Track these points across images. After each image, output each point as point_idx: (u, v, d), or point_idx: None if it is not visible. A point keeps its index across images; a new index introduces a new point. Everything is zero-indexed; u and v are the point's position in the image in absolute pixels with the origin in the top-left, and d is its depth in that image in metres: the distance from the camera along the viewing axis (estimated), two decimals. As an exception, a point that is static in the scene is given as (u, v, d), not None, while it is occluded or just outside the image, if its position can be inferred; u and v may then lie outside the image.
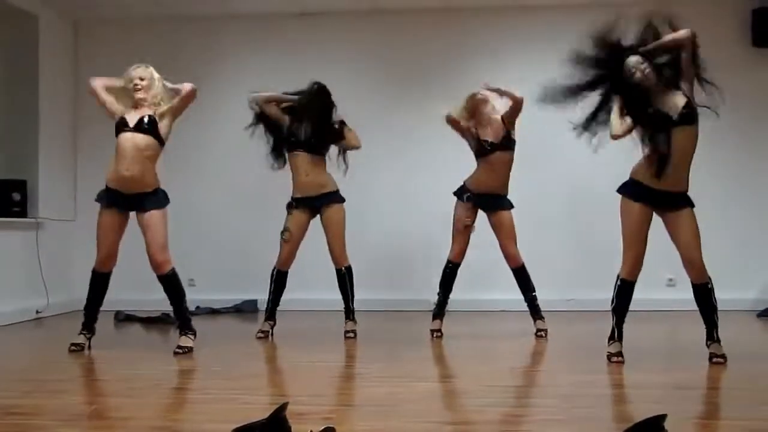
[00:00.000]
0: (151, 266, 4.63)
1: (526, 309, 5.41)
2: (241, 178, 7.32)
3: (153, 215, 4.58)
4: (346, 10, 7.32)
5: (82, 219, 7.22)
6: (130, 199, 4.59)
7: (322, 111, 5.32)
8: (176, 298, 4.69)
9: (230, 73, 7.48)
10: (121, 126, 4.57)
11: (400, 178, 7.28)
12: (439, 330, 5.35)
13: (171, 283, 4.66)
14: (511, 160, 5.32)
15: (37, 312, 6.65)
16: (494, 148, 5.24)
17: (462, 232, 5.32)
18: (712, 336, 4.16)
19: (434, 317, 5.42)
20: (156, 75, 4.64)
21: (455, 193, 5.39)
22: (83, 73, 7.50)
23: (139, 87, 4.57)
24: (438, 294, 5.43)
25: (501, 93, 5.24)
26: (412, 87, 7.32)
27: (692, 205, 4.15)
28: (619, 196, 4.23)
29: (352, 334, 5.33)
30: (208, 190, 7.38)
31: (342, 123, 5.37)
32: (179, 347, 4.62)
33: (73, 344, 4.71)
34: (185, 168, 7.19)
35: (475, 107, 5.27)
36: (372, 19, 7.38)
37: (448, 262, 5.39)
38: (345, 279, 5.39)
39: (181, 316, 4.72)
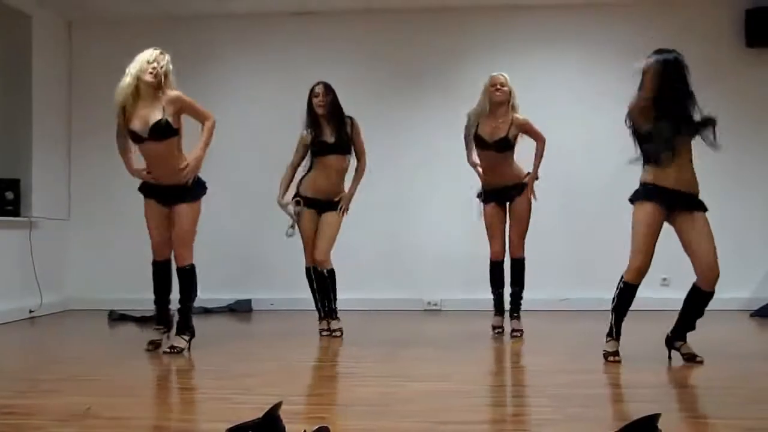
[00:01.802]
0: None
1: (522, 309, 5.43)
2: (237, 178, 7.30)
3: (180, 207, 4.70)
4: (341, 9, 7.31)
5: (76, 218, 7.21)
6: (167, 192, 4.66)
7: (337, 109, 5.32)
8: (186, 295, 4.67)
9: (226, 73, 7.47)
10: (134, 137, 4.52)
11: (399, 177, 7.27)
12: (501, 327, 5.44)
13: (186, 279, 4.66)
14: (504, 156, 5.30)
15: (31, 311, 6.63)
16: (486, 146, 5.26)
17: (494, 231, 5.33)
18: (684, 336, 4.26)
19: (495, 314, 5.51)
20: (170, 66, 4.54)
21: (478, 196, 5.43)
22: (77, 72, 7.51)
23: (154, 71, 4.43)
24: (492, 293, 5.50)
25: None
26: (410, 86, 7.33)
27: (706, 210, 4.11)
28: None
29: (339, 332, 5.34)
30: (203, 190, 7.34)
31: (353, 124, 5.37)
32: (171, 347, 4.60)
33: (149, 342, 4.74)
34: (179, 167, 7.17)
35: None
36: (368, 19, 7.38)
37: (490, 261, 5.41)
38: (327, 281, 5.37)
39: (183, 315, 4.69)
